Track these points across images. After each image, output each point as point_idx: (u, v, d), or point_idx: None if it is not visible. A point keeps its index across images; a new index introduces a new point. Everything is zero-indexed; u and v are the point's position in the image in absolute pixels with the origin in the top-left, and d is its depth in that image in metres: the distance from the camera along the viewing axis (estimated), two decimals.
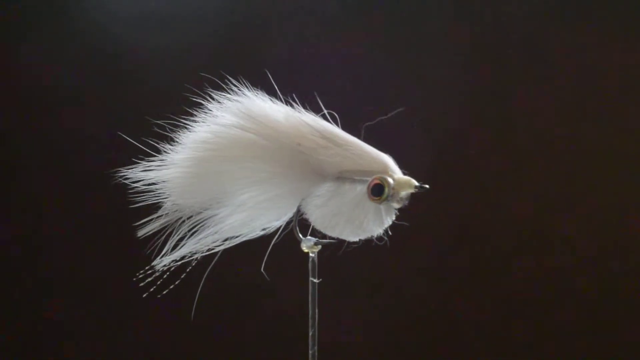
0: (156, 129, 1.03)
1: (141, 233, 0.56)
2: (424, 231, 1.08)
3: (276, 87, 0.57)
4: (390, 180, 0.48)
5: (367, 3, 1.07)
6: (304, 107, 0.59)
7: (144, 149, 0.57)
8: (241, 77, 0.62)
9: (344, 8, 1.07)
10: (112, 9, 1.04)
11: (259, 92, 0.56)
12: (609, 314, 1.08)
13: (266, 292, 0.98)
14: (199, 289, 0.56)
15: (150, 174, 0.56)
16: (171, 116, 0.56)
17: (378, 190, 0.49)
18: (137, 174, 0.56)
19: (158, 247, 1.04)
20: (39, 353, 1.07)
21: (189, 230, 0.55)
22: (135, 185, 0.56)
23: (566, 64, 1.06)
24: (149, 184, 0.55)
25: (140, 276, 0.54)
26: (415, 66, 1.07)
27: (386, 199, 0.49)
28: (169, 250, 0.55)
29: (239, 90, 0.56)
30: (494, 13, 1.07)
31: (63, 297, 1.08)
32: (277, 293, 0.93)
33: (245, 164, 0.53)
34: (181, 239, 0.57)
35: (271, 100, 0.55)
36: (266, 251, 0.54)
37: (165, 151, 0.55)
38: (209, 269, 0.56)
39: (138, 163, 0.56)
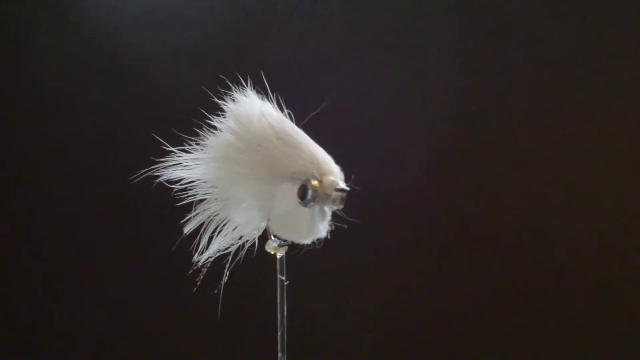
0: (158, 128, 1.05)
1: (186, 229, 0.56)
2: (423, 231, 1.08)
3: (273, 87, 0.56)
4: (314, 183, 0.48)
5: (367, 3, 1.08)
6: (300, 108, 0.60)
7: (163, 146, 0.57)
8: (240, 77, 0.62)
9: (344, 8, 1.07)
10: (114, 9, 1.06)
11: (252, 92, 0.55)
12: (609, 314, 1.07)
13: (263, 293, 0.99)
14: (222, 288, 0.56)
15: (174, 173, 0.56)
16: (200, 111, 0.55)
17: (302, 193, 0.49)
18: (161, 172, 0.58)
19: (163, 246, 1.06)
20: (39, 354, 1.10)
21: (215, 229, 0.56)
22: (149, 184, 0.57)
23: (566, 64, 1.05)
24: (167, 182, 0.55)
25: (190, 273, 0.55)
26: (415, 65, 1.07)
27: (311, 202, 0.48)
28: (204, 248, 0.55)
29: (238, 90, 0.57)
30: (495, 12, 1.06)
31: (63, 297, 1.10)
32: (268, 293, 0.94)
33: (223, 166, 0.53)
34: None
35: (259, 100, 0.55)
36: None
37: (179, 151, 0.56)
38: (205, 268, 0.56)
39: (160, 163, 0.57)
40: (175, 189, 0.60)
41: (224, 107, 0.56)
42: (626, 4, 1.04)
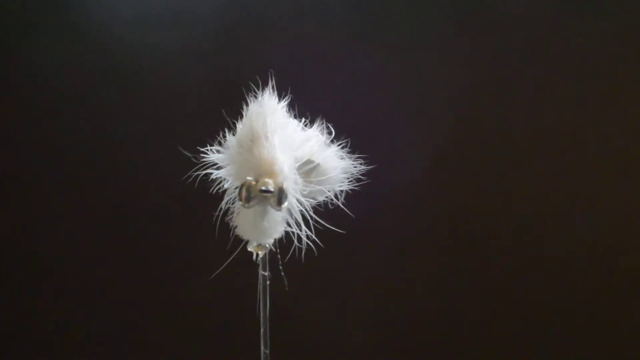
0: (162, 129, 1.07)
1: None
2: (423, 230, 1.09)
3: (272, 87, 0.58)
4: (247, 183, 0.50)
5: (367, 3, 1.08)
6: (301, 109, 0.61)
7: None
8: (240, 78, 0.63)
9: (344, 8, 1.08)
10: (114, 8, 1.08)
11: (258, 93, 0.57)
12: (609, 314, 1.07)
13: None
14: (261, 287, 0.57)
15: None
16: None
17: (238, 193, 0.51)
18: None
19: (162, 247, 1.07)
20: (39, 354, 1.12)
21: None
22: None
23: (566, 63, 1.06)
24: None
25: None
26: (415, 66, 1.07)
27: (245, 202, 0.50)
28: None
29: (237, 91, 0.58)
30: (494, 12, 1.07)
31: (63, 298, 1.13)
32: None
33: (228, 165, 0.56)
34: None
35: (257, 101, 0.57)
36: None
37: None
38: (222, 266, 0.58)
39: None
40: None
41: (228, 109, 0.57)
42: (626, 4, 1.04)
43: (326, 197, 0.60)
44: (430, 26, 1.07)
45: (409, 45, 1.07)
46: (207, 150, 0.57)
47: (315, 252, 0.57)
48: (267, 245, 0.53)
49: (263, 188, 0.50)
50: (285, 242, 0.57)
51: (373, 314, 1.11)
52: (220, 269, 0.59)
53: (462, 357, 1.10)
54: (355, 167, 0.61)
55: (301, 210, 0.56)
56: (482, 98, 1.07)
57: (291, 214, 0.55)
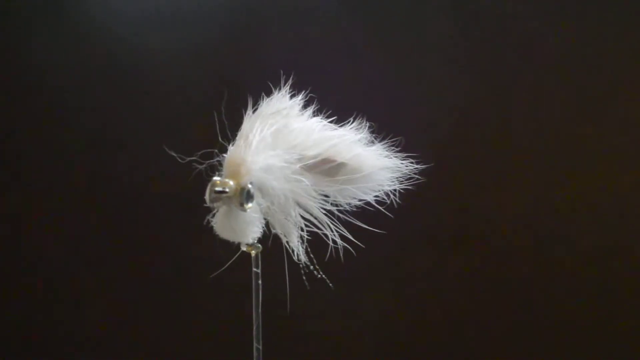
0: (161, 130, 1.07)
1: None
2: (423, 231, 1.09)
3: (272, 87, 0.58)
4: (213, 183, 0.49)
5: (367, 2, 1.08)
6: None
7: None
8: (240, 77, 0.62)
9: (344, 8, 1.08)
10: (114, 8, 1.08)
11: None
12: (610, 314, 1.07)
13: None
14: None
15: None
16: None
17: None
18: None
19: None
20: (40, 354, 1.13)
21: None
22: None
23: (566, 64, 1.05)
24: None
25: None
26: (415, 66, 1.07)
27: (210, 202, 0.49)
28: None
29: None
30: (494, 12, 1.06)
31: (62, 297, 1.13)
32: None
33: None
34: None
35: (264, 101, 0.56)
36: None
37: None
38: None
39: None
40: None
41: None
42: (626, 4, 1.04)
43: (375, 196, 0.58)
44: (430, 26, 1.07)
45: (408, 46, 1.07)
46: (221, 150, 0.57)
47: (315, 253, 0.57)
48: (259, 245, 0.53)
49: (217, 189, 0.49)
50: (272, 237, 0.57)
51: (370, 313, 1.11)
52: (222, 269, 0.58)
53: (462, 356, 1.10)
54: (408, 166, 0.58)
55: (318, 208, 0.55)
56: (482, 98, 1.07)
57: (307, 213, 0.55)
